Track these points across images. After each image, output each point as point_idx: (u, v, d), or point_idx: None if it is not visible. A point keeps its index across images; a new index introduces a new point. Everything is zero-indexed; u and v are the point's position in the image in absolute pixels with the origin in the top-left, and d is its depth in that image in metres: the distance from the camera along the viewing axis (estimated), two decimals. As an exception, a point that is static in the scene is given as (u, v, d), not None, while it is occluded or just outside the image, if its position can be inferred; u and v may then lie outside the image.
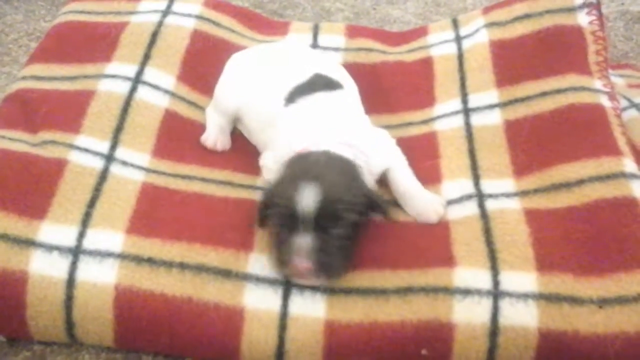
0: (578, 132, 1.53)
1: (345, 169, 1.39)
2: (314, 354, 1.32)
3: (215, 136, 1.66)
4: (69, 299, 1.32)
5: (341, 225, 1.31)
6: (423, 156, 1.58)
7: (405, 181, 1.51)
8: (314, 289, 1.34)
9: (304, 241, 1.29)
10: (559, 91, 1.59)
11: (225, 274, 1.36)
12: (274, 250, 1.34)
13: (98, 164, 1.50)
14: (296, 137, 1.46)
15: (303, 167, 1.37)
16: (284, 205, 1.31)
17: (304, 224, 1.30)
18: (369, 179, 1.45)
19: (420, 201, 1.49)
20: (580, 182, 1.46)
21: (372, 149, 1.49)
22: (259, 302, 1.33)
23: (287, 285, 1.35)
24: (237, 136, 1.69)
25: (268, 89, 1.59)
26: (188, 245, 1.38)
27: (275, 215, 1.34)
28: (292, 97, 1.54)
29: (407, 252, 1.40)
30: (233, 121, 1.69)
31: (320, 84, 1.55)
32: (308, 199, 1.29)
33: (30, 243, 1.35)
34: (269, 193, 1.38)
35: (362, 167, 1.43)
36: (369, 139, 1.51)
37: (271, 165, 1.52)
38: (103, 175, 1.48)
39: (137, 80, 1.65)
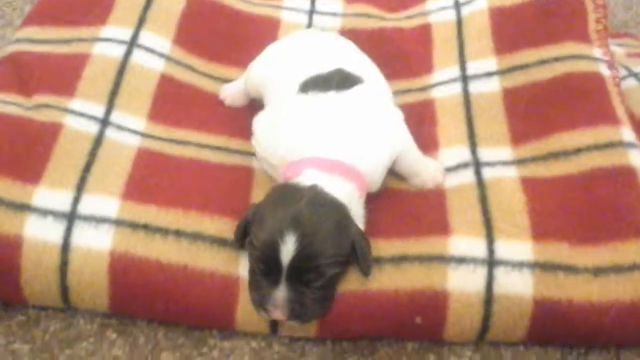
0: (576, 101, 1.52)
1: (332, 216, 1.27)
2: (308, 326, 1.33)
3: (231, 91, 1.67)
4: (63, 264, 1.32)
5: (321, 280, 1.26)
6: (420, 123, 1.57)
7: (410, 159, 1.48)
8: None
9: (280, 294, 1.24)
10: (557, 59, 1.58)
11: (221, 242, 1.35)
12: (251, 287, 1.29)
13: (93, 128, 1.49)
14: (294, 140, 1.39)
15: (287, 209, 1.25)
16: (263, 251, 1.24)
17: (281, 274, 1.24)
18: (359, 214, 1.36)
19: (423, 171, 1.47)
20: (578, 151, 1.45)
21: (373, 161, 1.40)
22: None
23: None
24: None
25: (290, 71, 1.52)
26: (184, 213, 1.38)
27: (253, 257, 1.27)
28: (306, 87, 1.46)
29: (402, 221, 1.40)
30: (254, 93, 1.65)
31: (337, 80, 1.46)
32: (288, 251, 1.22)
33: (24, 207, 1.34)
34: (251, 218, 1.30)
35: (355, 195, 1.34)
36: (374, 143, 1.41)
37: (261, 138, 1.49)
38: (98, 140, 1.47)
39: (132, 43, 1.64)
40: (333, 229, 1.26)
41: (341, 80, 1.46)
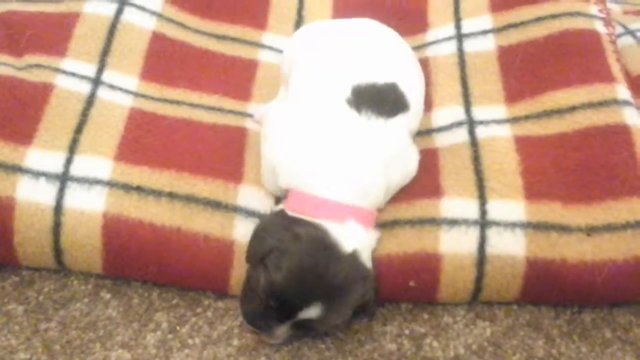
0: (571, 58, 1.51)
1: (361, 290, 1.22)
2: None
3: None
4: (56, 225, 1.32)
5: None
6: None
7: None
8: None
9: (280, 332, 1.23)
10: (553, 16, 1.56)
11: (215, 205, 1.35)
12: (245, 300, 1.26)
13: (85, 88, 1.48)
14: (326, 166, 1.28)
15: (324, 270, 1.18)
16: (280, 297, 1.19)
17: (289, 319, 1.21)
18: (368, 257, 1.27)
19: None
20: (572, 109, 1.45)
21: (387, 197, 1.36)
22: (249, 235, 1.31)
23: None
24: (228, 57, 1.65)
25: (336, 62, 1.40)
26: (177, 174, 1.37)
27: (264, 288, 1.20)
28: (360, 102, 1.33)
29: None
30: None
31: (390, 103, 1.34)
32: (308, 314, 1.18)
33: (16, 169, 1.34)
34: (274, 244, 1.21)
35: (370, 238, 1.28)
36: (393, 185, 1.35)
37: (278, 138, 1.34)
38: (90, 100, 1.46)
39: (123, 2, 1.61)
40: (357, 299, 1.22)
41: (394, 103, 1.35)
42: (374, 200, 1.30)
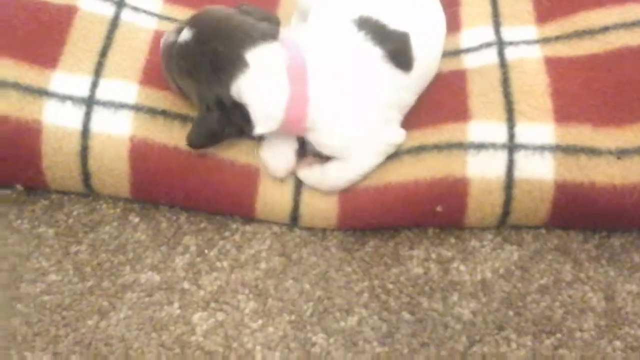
0: (604, -23, 1.47)
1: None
2: (328, 218, 1.34)
3: None
4: (84, 149, 1.32)
5: None
6: (443, 3, 1.51)
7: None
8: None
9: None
10: None
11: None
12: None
13: (109, 10, 1.46)
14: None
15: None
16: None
17: None
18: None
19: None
20: (605, 29, 1.42)
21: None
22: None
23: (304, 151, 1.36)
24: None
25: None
26: None
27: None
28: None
29: (421, 110, 1.37)
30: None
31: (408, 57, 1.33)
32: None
33: (42, 92, 1.34)
34: None
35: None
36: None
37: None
38: (114, 23, 1.44)
39: None
40: None
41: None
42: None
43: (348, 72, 1.30)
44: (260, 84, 1.26)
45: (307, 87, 1.28)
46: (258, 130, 1.27)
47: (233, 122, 1.28)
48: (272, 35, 1.29)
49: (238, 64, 1.25)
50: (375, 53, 1.30)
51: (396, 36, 1.32)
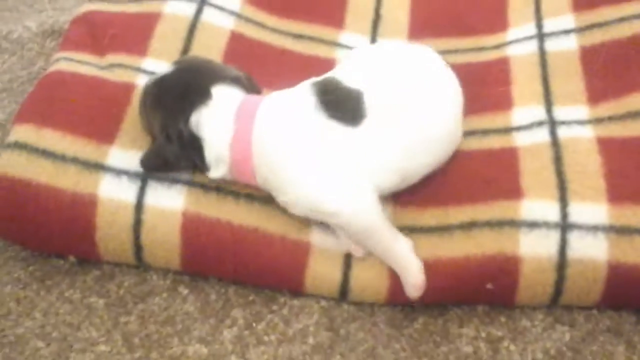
0: (657, 59, 1.47)
1: None
2: (379, 292, 1.33)
3: None
4: (137, 223, 1.34)
5: None
6: (494, 82, 1.53)
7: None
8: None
9: None
10: (637, 16, 1.52)
11: None
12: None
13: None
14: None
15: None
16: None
17: None
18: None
19: None
20: (658, 110, 1.41)
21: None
22: (325, 240, 1.35)
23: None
24: (305, 56, 1.65)
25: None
26: None
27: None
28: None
29: (472, 185, 1.37)
30: None
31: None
32: None
33: (99, 167, 1.36)
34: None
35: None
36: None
37: None
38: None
39: (202, 1, 1.64)
40: None
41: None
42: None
43: (286, 118, 1.33)
44: (214, 118, 1.32)
45: (251, 128, 1.31)
46: (212, 173, 1.33)
47: (189, 156, 1.33)
48: (242, 83, 1.38)
49: (203, 96, 1.32)
50: (309, 101, 1.32)
51: (341, 90, 1.33)
